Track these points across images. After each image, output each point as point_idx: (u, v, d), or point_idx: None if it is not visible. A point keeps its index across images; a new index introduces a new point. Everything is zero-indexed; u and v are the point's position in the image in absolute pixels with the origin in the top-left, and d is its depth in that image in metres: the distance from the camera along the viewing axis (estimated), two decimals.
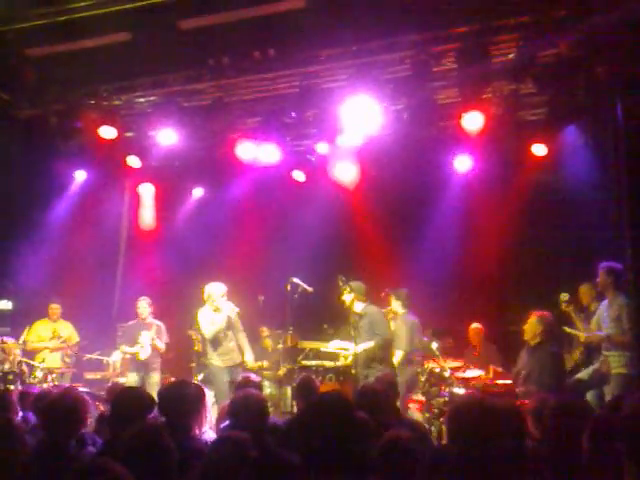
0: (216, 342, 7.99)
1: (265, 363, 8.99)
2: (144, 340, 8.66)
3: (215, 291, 8.07)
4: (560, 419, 3.54)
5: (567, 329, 7.22)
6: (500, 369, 7.89)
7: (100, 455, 3.22)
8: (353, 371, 7.51)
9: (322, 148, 8.09)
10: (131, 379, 8.56)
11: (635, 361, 6.24)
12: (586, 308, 7.34)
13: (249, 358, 8.19)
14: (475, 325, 8.65)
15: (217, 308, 8.02)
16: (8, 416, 3.61)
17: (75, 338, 9.29)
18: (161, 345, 8.79)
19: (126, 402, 3.84)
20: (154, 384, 8.54)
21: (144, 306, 8.88)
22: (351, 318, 7.73)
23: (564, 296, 7.26)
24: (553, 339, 6.91)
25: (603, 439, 2.86)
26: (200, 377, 8.75)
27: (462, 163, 8.60)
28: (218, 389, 7.88)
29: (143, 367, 8.67)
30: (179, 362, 9.08)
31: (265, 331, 9.67)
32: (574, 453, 3.13)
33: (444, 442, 6.09)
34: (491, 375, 7.62)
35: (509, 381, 7.08)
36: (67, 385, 6.66)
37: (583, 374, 7.16)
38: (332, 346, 7.96)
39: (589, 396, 7.04)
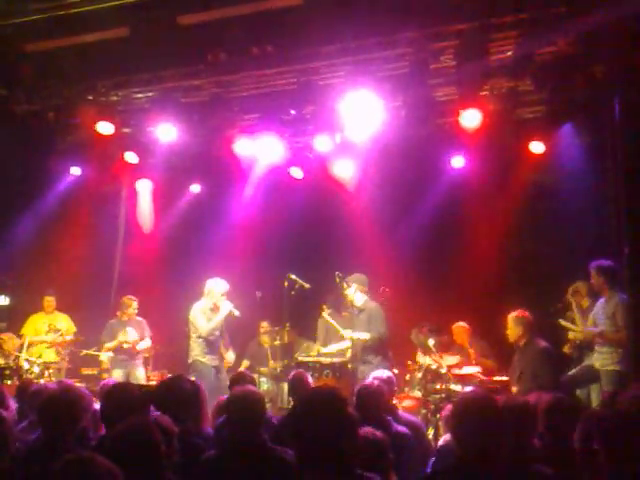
0: (209, 340, 7.90)
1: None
2: (130, 335, 8.66)
3: (217, 288, 7.95)
4: (554, 416, 3.56)
5: (562, 322, 7.22)
6: (491, 364, 7.89)
7: (92, 451, 3.21)
8: (350, 366, 7.54)
9: (320, 145, 8.06)
10: (116, 375, 8.50)
11: (627, 358, 6.26)
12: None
13: (231, 358, 8.66)
14: (460, 324, 8.29)
15: (215, 306, 7.96)
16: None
17: (72, 329, 9.26)
18: (147, 344, 8.82)
19: (119, 398, 3.84)
20: (139, 379, 8.54)
21: (135, 306, 8.83)
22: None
23: (576, 286, 7.24)
24: (538, 334, 6.89)
25: (595, 437, 2.86)
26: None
27: (460, 160, 8.59)
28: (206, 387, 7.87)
29: (128, 363, 8.68)
30: (176, 358, 9.07)
31: (264, 327, 9.57)
32: (569, 450, 3.14)
33: (440, 439, 6.11)
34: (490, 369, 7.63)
35: (505, 377, 7.09)
36: (65, 380, 6.65)
37: (574, 370, 7.17)
38: (329, 349, 8.05)
39: (579, 392, 7.07)
